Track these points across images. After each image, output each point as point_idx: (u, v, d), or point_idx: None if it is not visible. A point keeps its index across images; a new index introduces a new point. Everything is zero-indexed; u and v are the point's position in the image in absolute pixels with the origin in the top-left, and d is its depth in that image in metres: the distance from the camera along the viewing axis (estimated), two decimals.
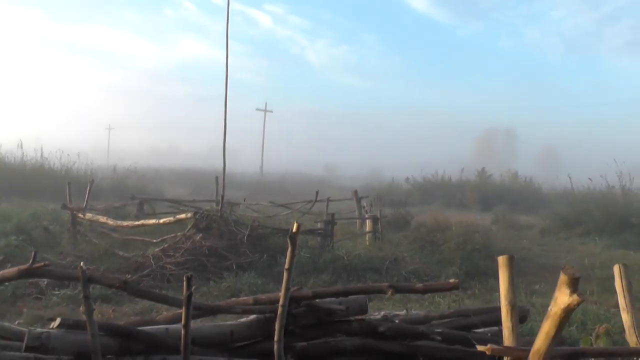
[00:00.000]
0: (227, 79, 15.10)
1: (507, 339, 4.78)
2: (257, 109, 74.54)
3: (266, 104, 75.06)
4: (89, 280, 4.97)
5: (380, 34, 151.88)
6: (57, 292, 10.35)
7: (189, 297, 4.68)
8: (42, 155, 34.45)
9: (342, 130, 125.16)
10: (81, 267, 4.91)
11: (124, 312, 9.18)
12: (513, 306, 4.84)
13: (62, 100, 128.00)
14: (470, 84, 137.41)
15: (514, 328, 4.81)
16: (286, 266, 5.17)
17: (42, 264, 5.29)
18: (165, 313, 8.16)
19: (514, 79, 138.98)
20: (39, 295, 10.26)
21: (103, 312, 8.76)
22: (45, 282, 10.40)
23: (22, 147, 34.40)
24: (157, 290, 8.27)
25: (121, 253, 13.23)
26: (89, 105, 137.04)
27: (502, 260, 4.96)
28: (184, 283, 4.70)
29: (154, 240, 13.42)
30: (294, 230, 5.17)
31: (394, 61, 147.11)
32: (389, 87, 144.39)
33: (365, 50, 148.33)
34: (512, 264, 4.93)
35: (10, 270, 5.40)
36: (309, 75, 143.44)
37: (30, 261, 5.22)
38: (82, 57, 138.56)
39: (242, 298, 6.28)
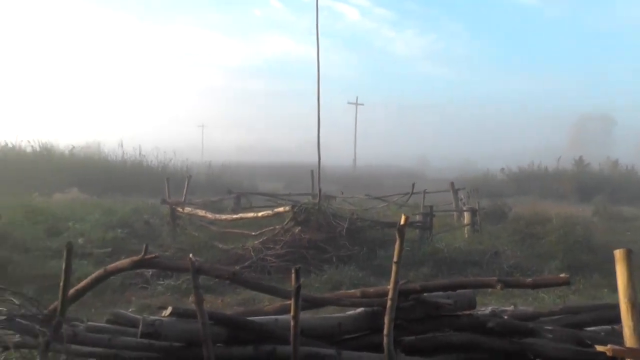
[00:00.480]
0: (318, 73, 15.19)
1: (629, 339, 4.55)
2: (349, 103, 74.45)
3: (357, 97, 74.80)
4: (198, 271, 5.06)
5: (466, 21, 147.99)
6: (162, 282, 10.73)
7: (298, 288, 4.70)
8: (140, 153, 36.03)
9: (432, 121, 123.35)
10: (190, 258, 5.01)
11: (226, 302, 9.37)
12: (633, 304, 4.60)
13: (157, 101, 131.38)
14: (562, 67, 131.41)
15: (635, 328, 4.57)
16: (395, 259, 5.11)
17: (153, 255, 5.44)
18: (267, 304, 8.27)
19: (609, 60, 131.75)
20: (144, 285, 10.71)
21: (211, 302, 8.96)
22: (150, 273, 10.77)
23: (122, 146, 36.30)
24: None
25: (220, 245, 13.49)
26: (182, 105, 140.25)
27: (619, 254, 4.72)
28: (293, 275, 4.71)
29: (253, 233, 13.60)
30: (402, 222, 5.10)
31: (481, 48, 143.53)
32: (478, 75, 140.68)
33: (451, 38, 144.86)
34: (630, 258, 4.69)
35: (124, 261, 5.58)
36: (397, 67, 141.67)
37: (142, 253, 5.37)
38: (173, 58, 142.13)
39: (350, 291, 6.23)
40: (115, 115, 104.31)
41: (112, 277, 9.72)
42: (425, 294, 5.60)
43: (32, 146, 34.28)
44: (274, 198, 20.40)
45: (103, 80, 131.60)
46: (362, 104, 74.39)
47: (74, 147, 35.52)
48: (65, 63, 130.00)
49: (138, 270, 10.33)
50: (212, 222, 15.51)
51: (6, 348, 4.93)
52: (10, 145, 34.24)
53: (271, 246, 12.37)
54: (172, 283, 10.51)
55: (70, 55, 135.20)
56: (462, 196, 21.13)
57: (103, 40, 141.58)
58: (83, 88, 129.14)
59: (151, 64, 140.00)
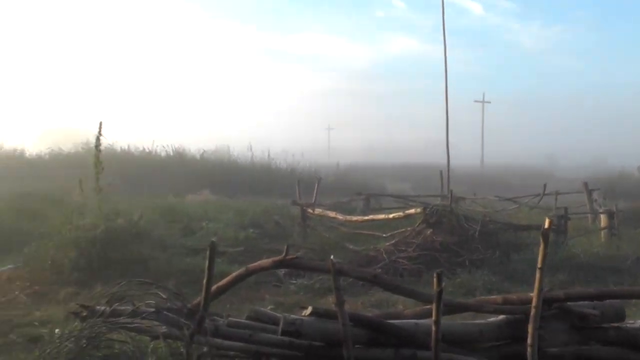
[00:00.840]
0: (446, 73, 15.05)
1: None
2: (475, 101, 73.11)
3: (484, 94, 73.44)
4: (339, 272, 5.09)
5: (593, 8, 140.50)
6: (294, 282, 10.94)
7: (440, 293, 4.62)
8: (269, 156, 36.99)
9: (561, 117, 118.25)
10: (331, 260, 5.05)
11: (359, 304, 9.35)
12: None
13: (285, 105, 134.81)
14: None
15: None
16: (538, 265, 4.92)
17: (294, 256, 5.55)
18: (401, 306, 8.21)
19: None
20: (277, 284, 10.92)
21: (349, 303, 8.97)
22: (283, 272, 10.96)
23: (251, 149, 37.59)
24: None
25: (350, 246, 13.53)
26: (308, 108, 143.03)
27: None
28: (434, 279, 4.64)
29: (384, 235, 13.57)
30: (546, 226, 4.92)
31: (611, 36, 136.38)
32: (608, 65, 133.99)
33: (578, 28, 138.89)
34: None
35: (265, 261, 5.72)
36: (524, 61, 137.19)
37: (284, 253, 5.47)
38: (298, 64, 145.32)
39: (491, 297, 6.06)
40: (245, 120, 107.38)
41: None
42: (569, 303, 5.36)
43: (166, 151, 36.00)
44: (403, 199, 20.28)
45: (232, 87, 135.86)
46: (489, 102, 73.02)
47: (204, 151, 36.90)
48: (197, 72, 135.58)
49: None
50: (342, 223, 15.63)
51: (155, 338, 5.21)
52: (146, 150, 36.00)
53: (403, 248, 12.28)
54: (305, 282, 10.69)
55: (202, 65, 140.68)
56: (596, 197, 20.17)
57: (232, 50, 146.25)
58: (214, 95, 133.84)
59: (279, 71, 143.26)
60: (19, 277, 10.88)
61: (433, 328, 4.66)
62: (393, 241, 12.85)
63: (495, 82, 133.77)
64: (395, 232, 13.45)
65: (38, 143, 39.49)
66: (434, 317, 4.64)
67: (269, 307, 7.86)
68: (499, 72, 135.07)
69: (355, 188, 24.20)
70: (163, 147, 36.12)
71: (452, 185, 18.65)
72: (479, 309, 5.43)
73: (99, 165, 13.08)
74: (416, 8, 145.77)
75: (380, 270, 11.34)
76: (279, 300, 9.71)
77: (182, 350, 5.15)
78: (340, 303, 4.86)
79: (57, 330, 6.65)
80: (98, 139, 13.67)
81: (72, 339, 5.18)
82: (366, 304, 9.37)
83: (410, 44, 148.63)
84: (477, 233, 12.54)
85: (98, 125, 13.82)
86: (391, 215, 14.51)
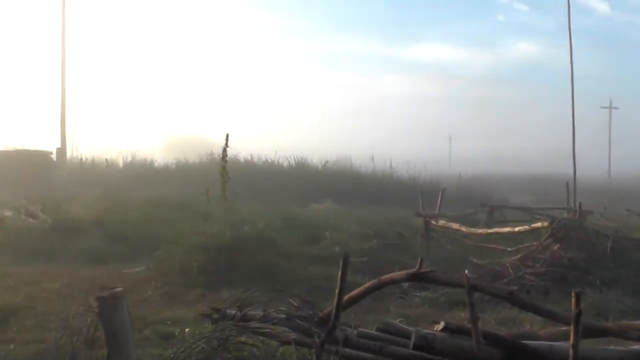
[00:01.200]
0: (572, 77, 14.49)
1: None
2: (602, 107, 70.09)
3: (610, 100, 70.34)
4: (473, 288, 5.02)
5: None
6: (418, 294, 10.82)
7: (579, 314, 4.47)
8: (390, 166, 36.99)
9: None
10: (466, 275, 5.01)
11: (485, 320, 9.12)
12: None
13: (406, 115, 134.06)
14: None
15: None
16: None
17: (429, 269, 5.52)
18: (528, 326, 7.98)
19: None
20: (401, 295, 10.81)
21: (480, 320, 8.78)
22: (407, 284, 10.84)
23: (373, 160, 37.84)
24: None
25: (474, 260, 13.29)
26: (429, 118, 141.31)
27: None
28: (573, 299, 4.51)
29: (509, 249, 13.27)
30: None
31: None
32: None
33: None
34: None
35: (398, 273, 5.77)
36: None
37: (417, 266, 5.46)
38: (418, 73, 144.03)
39: (634, 322, 5.73)
40: (366, 130, 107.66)
41: None
42: None
43: (288, 161, 36.75)
44: (528, 212, 19.70)
45: (354, 99, 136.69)
46: (617, 108, 69.88)
47: (326, 161, 37.35)
48: (319, 85, 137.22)
49: None
50: (466, 235, 15.41)
51: (284, 343, 5.32)
52: (269, 161, 36.87)
53: (530, 264, 11.88)
54: (429, 295, 10.58)
55: (324, 78, 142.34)
56: None
57: (352, 62, 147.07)
58: (336, 106, 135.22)
59: (398, 81, 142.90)
60: (152, 279, 11.45)
61: (570, 352, 4.51)
62: (518, 256, 12.49)
63: (623, 87, 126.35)
64: (521, 246, 13.10)
65: (163, 151, 41.42)
66: (572, 341, 4.49)
67: (398, 320, 7.83)
68: (628, 75, 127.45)
69: (477, 199, 23.70)
70: (286, 158, 36.97)
71: (578, 197, 17.95)
72: (620, 334, 5.20)
73: (225, 175, 13.53)
74: (539, 10, 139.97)
75: (515, 287, 11.07)
76: (403, 312, 9.65)
77: (310, 357, 5.23)
78: (474, 320, 4.80)
79: (187, 330, 7.00)
80: (224, 150, 14.19)
81: (204, 339, 5.38)
82: (492, 320, 9.13)
83: (533, 48, 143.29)
84: (608, 250, 11.99)
85: (225, 137, 14.36)
86: (517, 229, 14.16)
